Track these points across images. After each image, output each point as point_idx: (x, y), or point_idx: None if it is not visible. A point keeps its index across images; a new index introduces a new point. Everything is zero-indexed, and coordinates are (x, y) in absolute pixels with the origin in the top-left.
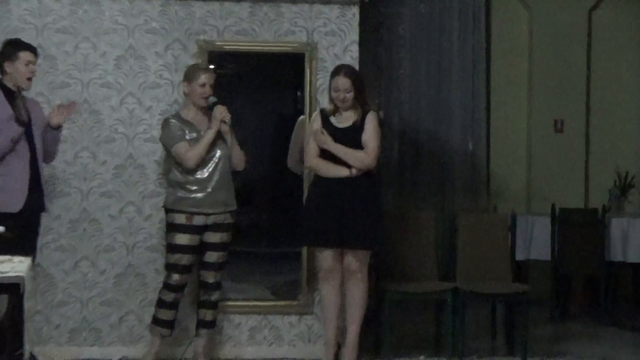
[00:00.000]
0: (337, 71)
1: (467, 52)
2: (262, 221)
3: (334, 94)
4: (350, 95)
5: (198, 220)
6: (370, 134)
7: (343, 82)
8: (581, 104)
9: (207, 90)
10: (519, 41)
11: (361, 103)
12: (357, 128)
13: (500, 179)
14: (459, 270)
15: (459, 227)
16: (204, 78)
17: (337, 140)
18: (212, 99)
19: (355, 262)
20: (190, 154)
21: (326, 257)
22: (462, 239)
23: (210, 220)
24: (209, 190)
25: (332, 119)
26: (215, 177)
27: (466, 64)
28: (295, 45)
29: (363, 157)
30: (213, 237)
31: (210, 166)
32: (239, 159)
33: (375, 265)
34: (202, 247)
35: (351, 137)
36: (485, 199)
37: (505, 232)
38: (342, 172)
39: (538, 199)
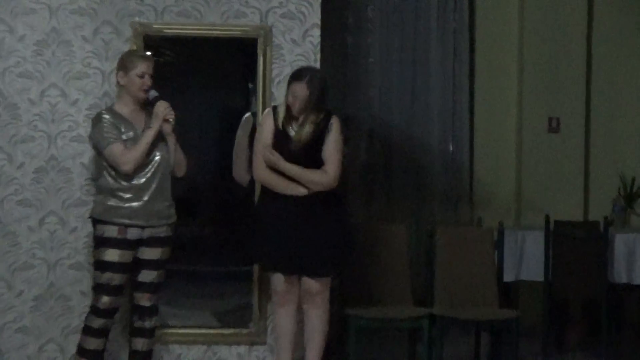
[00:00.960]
0: (298, 76)
1: (447, 37)
2: (206, 235)
3: (290, 99)
4: (306, 105)
5: (132, 234)
6: (331, 148)
7: (302, 91)
8: (580, 99)
9: (147, 81)
10: (507, 25)
11: (322, 107)
12: (316, 136)
13: (485, 187)
14: (437, 294)
15: (437, 242)
16: (143, 67)
17: (291, 151)
18: (153, 93)
19: (315, 284)
20: (127, 157)
21: (280, 279)
22: (440, 257)
23: (146, 233)
24: (146, 199)
25: (286, 125)
26: (154, 184)
27: (446, 51)
28: (247, 29)
29: (322, 179)
30: (149, 254)
31: (148, 171)
32: (180, 163)
33: (338, 287)
34: (136, 265)
35: (308, 149)
36: (468, 210)
37: (491, 248)
38: (298, 190)
39: (529, 210)
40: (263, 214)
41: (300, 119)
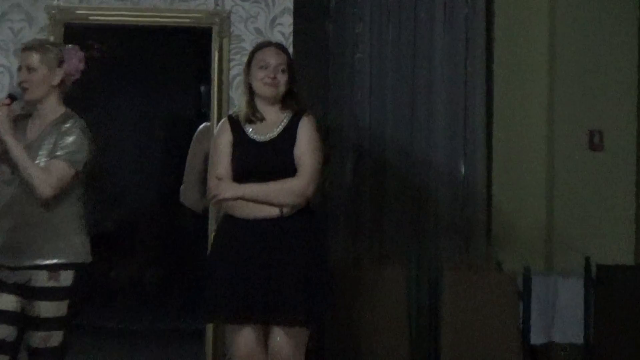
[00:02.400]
0: (263, 44)
1: (457, 26)
2: (145, 281)
3: (259, 74)
4: (284, 79)
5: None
6: (305, 147)
7: (278, 55)
8: (629, 108)
9: (21, 75)
10: (535, 11)
11: (295, 100)
12: (287, 139)
13: (506, 219)
14: (444, 356)
15: (444, 289)
16: (20, 58)
17: (257, 161)
18: (13, 89)
19: (287, 344)
20: None
21: (242, 338)
22: (448, 308)
23: (17, 278)
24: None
25: (248, 129)
26: (15, 211)
27: (456, 45)
28: (198, 15)
29: (295, 187)
30: (29, 308)
31: (6, 193)
32: (29, 180)
33: (316, 349)
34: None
35: (278, 154)
36: (484, 249)
37: (513, 299)
38: (268, 211)
39: (564, 249)
40: (221, 248)
41: (268, 119)
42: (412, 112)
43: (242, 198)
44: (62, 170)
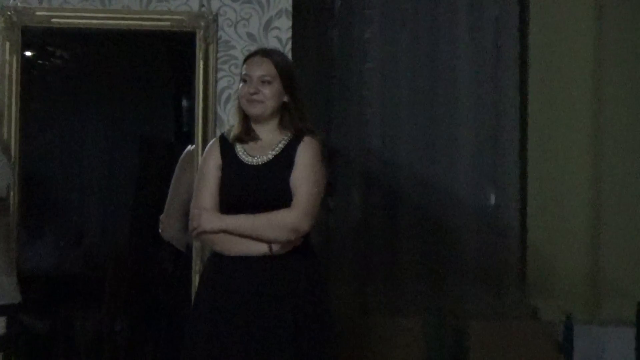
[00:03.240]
0: (253, 53)
1: (485, 31)
2: (117, 334)
3: (241, 90)
4: (270, 92)
5: None
6: (303, 174)
7: (261, 64)
8: None
9: None
10: (579, 15)
11: (293, 119)
12: (283, 163)
13: (544, 259)
14: None
15: (471, 344)
16: None
17: (246, 187)
18: None
19: None
20: None
21: None
22: None
23: None
24: None
25: (239, 150)
26: None
27: (484, 55)
28: (179, 17)
29: (287, 220)
30: None
31: None
32: None
33: None
34: None
35: (272, 180)
36: (518, 295)
37: (553, 352)
38: (254, 247)
39: (612, 295)
40: (206, 294)
41: (263, 138)
42: (431, 133)
43: (226, 231)
44: None
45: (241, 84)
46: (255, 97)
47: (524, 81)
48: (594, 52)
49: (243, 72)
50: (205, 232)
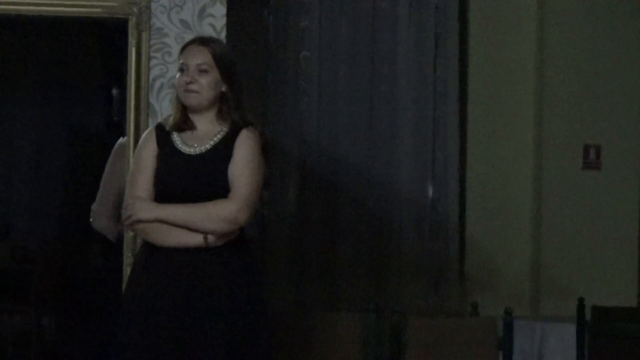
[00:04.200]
0: (190, 41)
1: (425, 22)
2: (44, 331)
3: (178, 80)
4: (206, 82)
5: None
6: (241, 165)
7: (198, 53)
8: (632, 118)
9: None
10: (519, 6)
11: (231, 108)
12: (221, 154)
13: (483, 254)
14: None
15: (409, 340)
16: None
17: (182, 177)
18: None
19: None
20: None
21: None
22: None
23: None
24: None
25: (176, 139)
26: None
27: (424, 44)
28: (111, 5)
29: (225, 212)
30: None
31: None
32: None
33: None
34: None
35: (209, 171)
36: (457, 290)
37: (492, 348)
38: (189, 239)
39: (553, 290)
40: (136, 288)
41: (200, 128)
42: (370, 124)
43: (160, 220)
44: None
45: (178, 74)
46: (191, 86)
47: (464, 72)
48: (536, 41)
49: (180, 61)
50: (139, 220)
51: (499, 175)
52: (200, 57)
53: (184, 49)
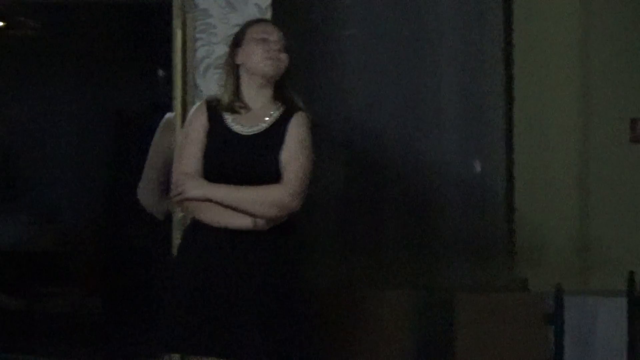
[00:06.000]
0: (256, 20)
1: None
2: (88, 312)
3: (258, 49)
4: (286, 58)
5: None
6: (294, 150)
7: (277, 31)
8: None
9: None
10: None
11: (288, 92)
12: (274, 137)
13: (532, 229)
14: None
15: (458, 317)
16: None
17: (235, 157)
18: None
19: None
20: None
21: None
22: (463, 338)
23: None
24: None
25: (228, 117)
26: None
27: (468, 19)
28: None
29: (277, 196)
30: None
31: None
32: None
33: None
34: None
35: (262, 153)
36: (506, 265)
37: (543, 324)
38: (239, 220)
39: (602, 264)
40: (184, 265)
41: (257, 101)
42: (415, 101)
43: (212, 200)
44: None
45: (251, 45)
46: (281, 55)
47: (509, 47)
48: (582, 14)
49: (254, 34)
50: (190, 198)
51: (546, 149)
52: (281, 37)
53: (253, 24)
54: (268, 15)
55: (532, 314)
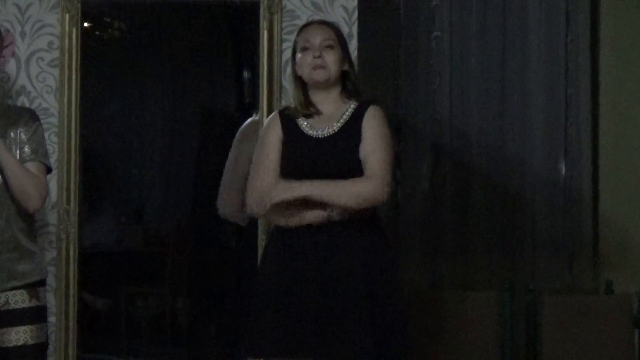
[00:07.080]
0: (307, 23)
1: None
2: (177, 312)
3: (303, 59)
4: (333, 57)
5: None
6: (373, 144)
7: (321, 30)
8: None
9: None
10: None
11: (356, 87)
12: (351, 134)
13: (618, 231)
14: None
15: (544, 318)
16: None
17: (313, 160)
18: None
19: None
20: None
21: None
22: (549, 340)
23: None
24: None
25: (302, 124)
26: None
27: (555, 21)
28: None
29: (364, 189)
30: None
31: None
32: (23, 189)
33: None
34: None
35: (340, 152)
36: (591, 268)
37: (628, 327)
38: (311, 216)
39: None
40: (271, 267)
41: (324, 112)
42: (502, 103)
43: (301, 196)
44: (44, 175)
45: (299, 55)
46: (319, 61)
47: (595, 50)
48: None
49: (300, 42)
50: (283, 200)
51: (632, 152)
52: (325, 34)
53: (302, 29)
54: (354, 16)
55: (619, 316)
